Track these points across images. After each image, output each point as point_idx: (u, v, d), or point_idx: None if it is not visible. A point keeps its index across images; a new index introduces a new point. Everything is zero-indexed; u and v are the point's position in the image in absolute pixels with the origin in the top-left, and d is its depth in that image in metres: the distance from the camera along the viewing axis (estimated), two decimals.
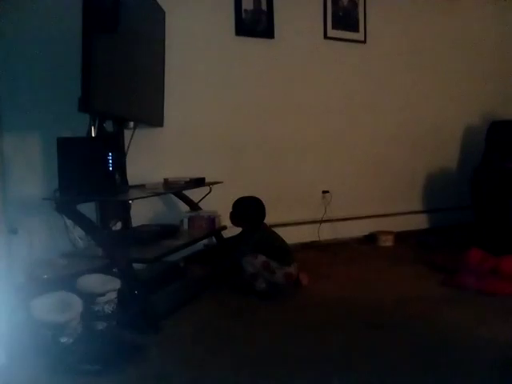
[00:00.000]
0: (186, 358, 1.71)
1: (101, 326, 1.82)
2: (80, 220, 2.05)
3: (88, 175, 2.08)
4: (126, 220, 2.59)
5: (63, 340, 1.64)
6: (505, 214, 3.04)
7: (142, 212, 2.79)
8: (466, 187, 3.60)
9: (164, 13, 2.98)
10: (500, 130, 3.90)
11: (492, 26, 4.35)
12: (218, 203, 2.93)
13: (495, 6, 4.35)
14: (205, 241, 2.78)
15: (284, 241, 2.56)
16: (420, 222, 4.07)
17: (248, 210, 2.62)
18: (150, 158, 2.96)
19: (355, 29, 3.85)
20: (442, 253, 3.07)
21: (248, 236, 2.57)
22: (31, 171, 2.53)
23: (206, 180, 2.85)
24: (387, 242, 3.60)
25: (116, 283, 1.86)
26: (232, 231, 2.82)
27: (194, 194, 2.97)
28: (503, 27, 4.40)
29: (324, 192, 3.59)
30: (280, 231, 2.56)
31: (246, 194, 2.64)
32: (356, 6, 3.84)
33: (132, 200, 2.52)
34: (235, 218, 2.64)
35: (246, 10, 3.41)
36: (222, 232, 2.93)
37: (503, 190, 3.25)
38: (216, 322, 2.06)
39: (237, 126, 3.39)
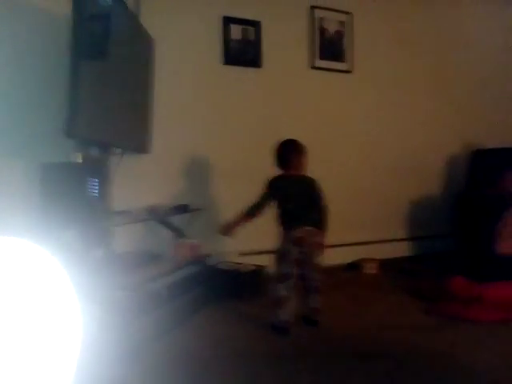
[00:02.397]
0: None
1: None
2: (63, 247, 2.03)
3: (72, 201, 2.07)
4: (109, 246, 2.57)
5: None
6: (487, 241, 3.06)
7: (126, 238, 2.77)
8: (448, 214, 3.64)
9: (153, 40, 3.03)
10: (483, 158, 3.97)
11: (475, 57, 4.47)
12: (204, 230, 2.93)
13: (475, 35, 4.47)
14: None
15: (312, 198, 2.39)
16: (404, 249, 4.10)
17: (278, 148, 2.43)
18: (136, 183, 2.96)
19: (341, 59, 3.94)
20: (425, 281, 3.07)
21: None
22: (12, 197, 2.51)
23: (191, 206, 2.85)
24: (371, 269, 3.60)
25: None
26: None
27: (179, 221, 2.96)
28: (485, 55, 4.52)
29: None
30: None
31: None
32: (342, 36, 3.93)
33: (115, 226, 2.51)
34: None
35: (234, 40, 3.48)
36: None
37: (485, 217, 3.29)
38: (195, 352, 2.03)
39: (223, 153, 3.42)
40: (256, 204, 2.36)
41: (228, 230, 2.40)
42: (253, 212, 2.36)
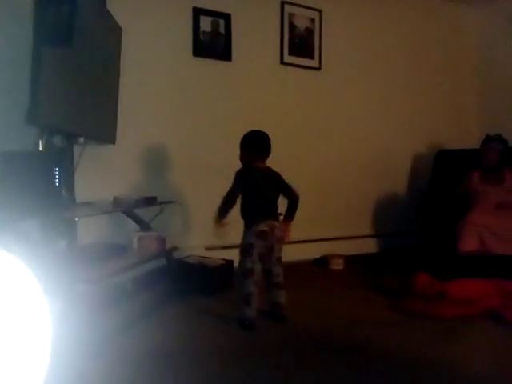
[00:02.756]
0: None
1: None
2: (22, 238, 1.94)
3: (32, 191, 1.99)
4: (72, 238, 2.49)
5: None
6: (449, 238, 3.13)
7: (90, 230, 2.69)
8: (413, 213, 3.71)
9: (121, 29, 2.95)
10: (446, 158, 4.06)
11: (442, 56, 4.57)
12: (170, 223, 2.87)
13: (441, 37, 4.57)
14: None
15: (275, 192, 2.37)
16: (369, 246, 4.16)
17: (245, 139, 2.38)
18: (100, 175, 2.88)
19: (311, 56, 3.95)
20: (390, 277, 3.12)
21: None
22: None
23: (158, 199, 2.79)
24: (337, 265, 3.63)
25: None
26: None
27: (145, 214, 2.90)
28: (453, 58, 4.63)
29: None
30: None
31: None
32: (312, 33, 3.94)
33: (79, 217, 2.43)
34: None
35: (203, 32, 3.43)
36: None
37: (448, 215, 3.36)
38: (161, 347, 1.98)
39: (191, 146, 3.37)
40: (227, 200, 2.32)
41: (218, 226, 2.33)
42: (226, 209, 2.31)
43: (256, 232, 2.26)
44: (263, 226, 2.27)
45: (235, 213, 2.34)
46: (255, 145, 2.35)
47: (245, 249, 2.27)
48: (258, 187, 2.32)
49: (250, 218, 2.30)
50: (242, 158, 2.38)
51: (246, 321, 2.22)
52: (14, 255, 0.97)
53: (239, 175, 2.34)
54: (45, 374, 0.94)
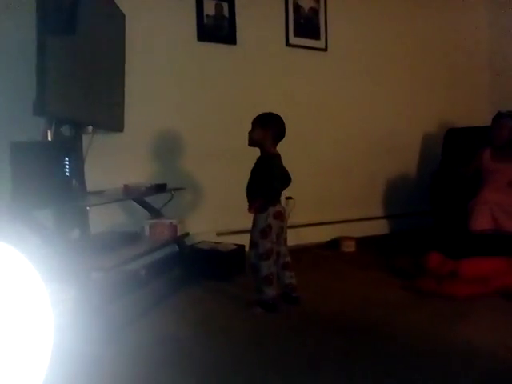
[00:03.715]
0: (140, 371, 1.65)
1: None
2: (36, 228, 1.96)
3: (43, 181, 2.00)
4: (84, 227, 2.51)
5: None
6: (462, 217, 3.11)
7: (102, 219, 2.70)
8: (425, 192, 3.69)
9: (124, 16, 2.92)
10: (457, 136, 4.02)
11: (450, 34, 4.49)
12: (181, 210, 2.88)
13: (452, 15, 4.49)
14: None
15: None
16: (381, 227, 4.14)
17: (268, 120, 2.33)
18: (109, 163, 2.88)
19: (316, 36, 3.90)
20: (402, 258, 3.11)
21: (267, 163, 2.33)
22: None
23: (168, 186, 2.80)
24: (349, 247, 3.63)
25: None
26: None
27: (155, 201, 2.91)
28: (460, 36, 4.55)
29: (287, 198, 3.59)
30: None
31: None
32: (317, 14, 3.89)
33: (90, 206, 2.45)
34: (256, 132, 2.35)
35: (207, 16, 3.40)
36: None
37: (460, 194, 3.34)
38: (175, 333, 2.00)
39: (199, 131, 3.36)
40: (278, 189, 2.33)
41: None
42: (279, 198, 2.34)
43: (274, 213, 2.28)
44: (279, 207, 2.31)
45: (243, 198, 2.34)
46: (280, 129, 2.34)
47: (264, 230, 2.28)
48: (279, 172, 2.33)
49: (270, 200, 2.29)
50: (259, 139, 2.33)
51: (269, 301, 2.24)
52: (26, 245, 0.98)
53: (274, 164, 2.32)
54: (47, 365, 0.95)
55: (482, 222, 3.04)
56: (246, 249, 2.82)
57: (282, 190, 2.36)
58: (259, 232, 2.29)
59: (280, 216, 2.31)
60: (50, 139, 2.18)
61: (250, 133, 2.35)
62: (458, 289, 2.45)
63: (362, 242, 3.71)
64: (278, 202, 2.33)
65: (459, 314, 2.16)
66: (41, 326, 0.94)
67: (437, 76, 4.43)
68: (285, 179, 2.36)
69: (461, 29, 4.54)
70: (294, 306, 2.31)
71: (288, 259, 2.39)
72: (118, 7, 2.82)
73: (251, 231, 2.35)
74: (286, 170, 2.36)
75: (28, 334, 0.91)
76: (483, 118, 3.60)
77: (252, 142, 2.36)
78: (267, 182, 2.28)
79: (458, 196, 3.37)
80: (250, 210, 2.30)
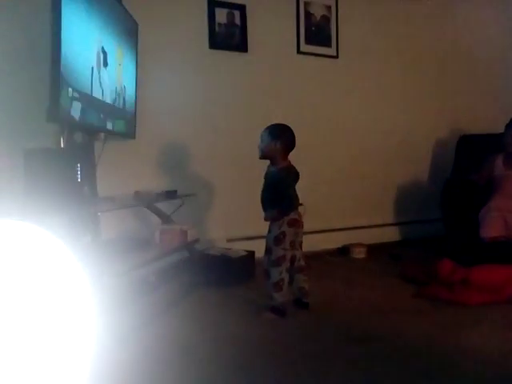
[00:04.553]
0: (150, 376, 1.66)
1: None
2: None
3: (56, 187, 2.03)
4: (96, 233, 2.54)
5: None
6: (473, 225, 3.09)
7: (113, 225, 2.73)
8: (436, 200, 3.66)
9: (137, 25, 2.97)
10: (468, 143, 3.99)
11: (462, 40, 4.47)
12: (191, 216, 2.90)
13: (464, 21, 4.48)
14: None
15: None
16: (392, 234, 4.12)
17: (278, 131, 2.34)
18: (121, 170, 2.92)
19: (328, 44, 3.91)
20: (413, 265, 3.09)
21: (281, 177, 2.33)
22: None
23: (179, 192, 2.82)
24: (360, 254, 3.61)
25: None
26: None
27: (166, 207, 2.93)
28: (473, 42, 4.53)
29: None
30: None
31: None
32: (328, 21, 3.90)
33: (101, 212, 2.48)
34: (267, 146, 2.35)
35: (219, 24, 3.43)
36: None
37: (471, 201, 3.31)
38: (185, 338, 2.01)
39: (210, 138, 3.39)
40: (294, 196, 2.34)
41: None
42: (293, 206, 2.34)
43: (288, 220, 2.29)
44: (294, 215, 2.31)
45: (257, 204, 2.35)
46: (290, 140, 2.35)
47: (277, 238, 2.29)
48: (294, 181, 2.34)
49: (285, 208, 2.30)
50: (269, 150, 2.34)
51: (279, 306, 2.25)
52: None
53: (291, 173, 2.34)
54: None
55: (493, 229, 3.01)
56: (257, 255, 2.84)
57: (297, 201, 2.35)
58: (273, 239, 2.30)
59: (295, 223, 2.31)
60: (62, 146, 2.21)
61: (259, 146, 2.37)
62: (469, 296, 2.43)
63: (372, 248, 3.69)
64: (293, 209, 2.32)
65: (471, 322, 2.14)
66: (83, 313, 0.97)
67: (449, 82, 4.41)
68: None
69: (473, 35, 4.52)
70: (304, 312, 2.31)
71: (302, 263, 2.40)
72: (131, 16, 2.86)
73: (267, 237, 2.37)
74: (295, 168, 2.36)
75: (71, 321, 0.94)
76: (496, 125, 3.57)
77: (263, 155, 2.38)
78: (282, 195, 2.29)
79: (469, 203, 3.34)
80: (266, 219, 2.33)
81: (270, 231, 2.35)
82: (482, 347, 1.86)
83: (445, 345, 1.90)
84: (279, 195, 2.30)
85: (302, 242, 2.42)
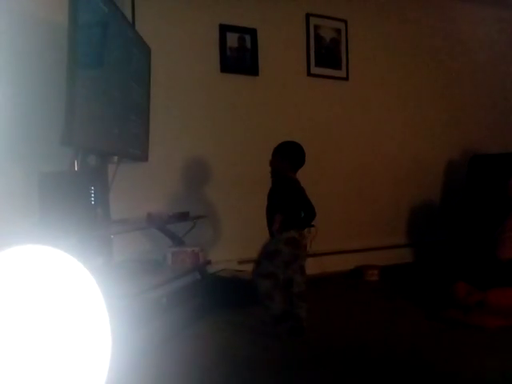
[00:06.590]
0: None
1: None
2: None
3: (70, 210, 2.04)
4: (108, 255, 2.54)
5: None
6: (489, 246, 3.04)
7: (125, 246, 2.74)
8: (450, 220, 3.63)
9: (149, 49, 3.02)
10: (480, 163, 3.96)
11: (474, 59, 4.49)
12: (203, 238, 2.90)
13: (478, 42, 4.49)
14: None
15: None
16: (405, 255, 4.07)
17: (286, 149, 2.38)
18: (134, 192, 2.94)
19: (338, 66, 3.95)
20: (427, 287, 3.05)
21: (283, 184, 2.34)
22: (11, 206, 2.48)
23: (190, 214, 2.83)
24: (373, 276, 3.58)
25: None
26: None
27: (178, 229, 2.94)
28: (484, 61, 4.54)
29: (309, 226, 3.58)
30: None
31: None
32: (338, 44, 3.94)
33: (114, 235, 2.49)
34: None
35: (230, 48, 3.48)
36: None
37: (485, 222, 3.27)
38: (197, 361, 1.99)
39: (222, 161, 3.41)
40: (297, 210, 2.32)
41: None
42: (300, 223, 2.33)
43: (286, 238, 2.25)
44: (293, 233, 2.27)
45: (265, 226, 2.34)
46: (298, 157, 2.37)
47: (270, 253, 2.27)
48: (300, 198, 2.32)
49: (285, 226, 2.27)
50: (278, 167, 2.37)
51: (278, 314, 2.22)
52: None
53: (296, 188, 2.33)
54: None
55: (510, 250, 2.97)
56: None
57: (307, 221, 2.34)
58: (265, 253, 2.28)
59: (293, 243, 2.26)
60: (76, 169, 2.24)
61: (270, 162, 2.38)
62: (485, 319, 2.39)
63: (385, 270, 3.65)
64: (295, 227, 2.28)
65: (487, 346, 2.10)
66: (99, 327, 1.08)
67: (461, 102, 4.41)
68: (309, 211, 2.32)
69: (485, 53, 4.53)
70: (316, 334, 2.27)
71: (303, 289, 2.29)
72: (143, 41, 2.91)
73: (262, 246, 2.34)
74: (310, 202, 2.33)
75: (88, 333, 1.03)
76: (508, 145, 3.55)
77: (273, 172, 2.38)
78: (284, 200, 2.28)
79: (484, 224, 3.30)
80: (273, 228, 2.28)
81: (264, 245, 2.32)
82: (498, 371, 1.82)
83: (461, 369, 1.85)
84: (281, 201, 2.28)
85: (303, 267, 2.33)
